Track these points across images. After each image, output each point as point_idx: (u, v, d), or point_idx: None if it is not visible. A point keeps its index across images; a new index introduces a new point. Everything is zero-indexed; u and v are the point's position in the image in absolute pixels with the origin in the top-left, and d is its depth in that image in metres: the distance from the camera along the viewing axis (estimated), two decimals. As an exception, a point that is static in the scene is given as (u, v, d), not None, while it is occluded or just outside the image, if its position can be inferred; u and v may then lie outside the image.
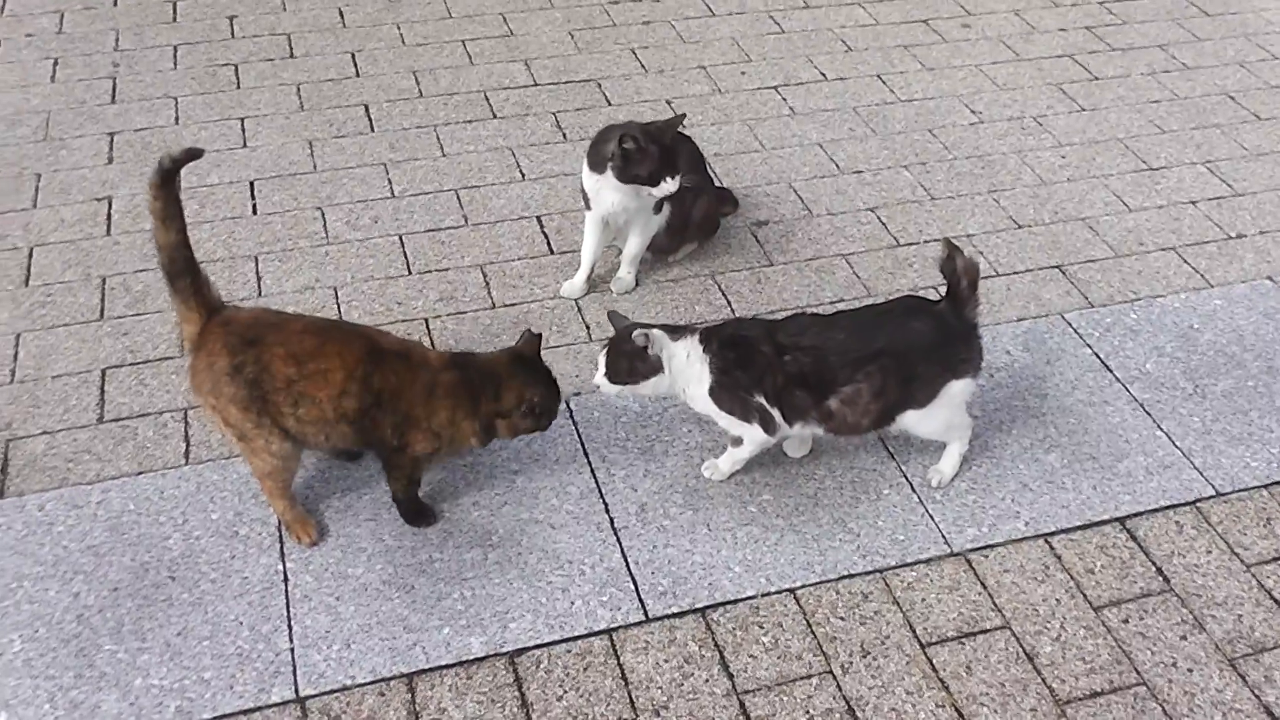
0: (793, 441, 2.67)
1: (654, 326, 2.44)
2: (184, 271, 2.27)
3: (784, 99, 4.05)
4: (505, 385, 2.35)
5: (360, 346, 2.30)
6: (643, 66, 4.19)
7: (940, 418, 2.50)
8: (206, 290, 2.31)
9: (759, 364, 2.40)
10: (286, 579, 2.39)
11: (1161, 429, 2.83)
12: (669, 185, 2.85)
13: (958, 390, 2.47)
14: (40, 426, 2.70)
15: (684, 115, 2.99)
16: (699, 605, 2.38)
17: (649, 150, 2.81)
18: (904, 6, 4.68)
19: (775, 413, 2.43)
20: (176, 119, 3.80)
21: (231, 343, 2.26)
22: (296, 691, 2.19)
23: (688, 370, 2.43)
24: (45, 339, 2.94)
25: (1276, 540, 2.57)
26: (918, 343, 2.42)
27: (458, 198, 3.49)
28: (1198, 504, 2.65)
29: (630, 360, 2.41)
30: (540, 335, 2.41)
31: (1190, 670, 2.30)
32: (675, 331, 2.45)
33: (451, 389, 2.32)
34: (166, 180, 2.21)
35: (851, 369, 2.38)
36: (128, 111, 3.83)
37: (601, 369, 2.46)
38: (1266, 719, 2.22)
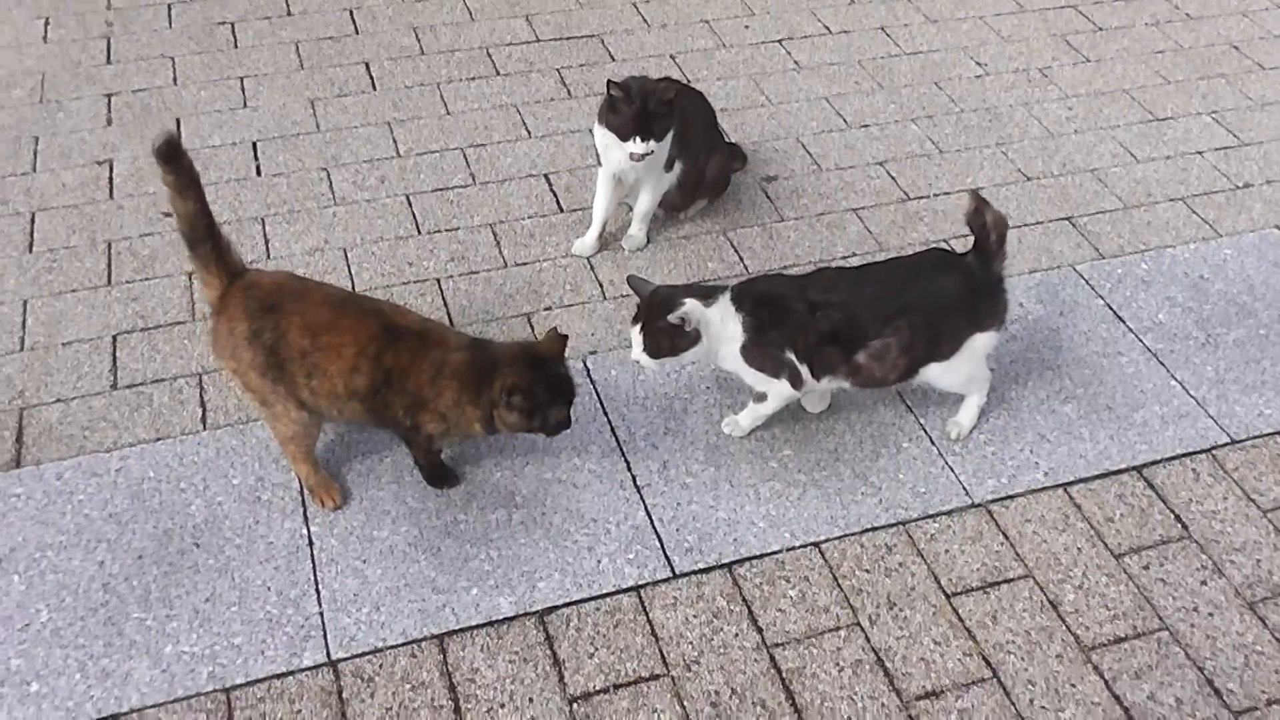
0: (812, 397, 2.67)
1: (681, 293, 2.41)
2: (205, 238, 2.25)
3: (788, 53, 4.02)
4: (500, 374, 2.23)
5: (375, 323, 2.26)
6: (645, 21, 4.15)
7: (963, 370, 2.51)
8: (228, 254, 2.29)
9: (792, 321, 2.40)
10: (312, 543, 2.39)
11: (1175, 378, 2.84)
12: (635, 146, 2.82)
13: (981, 343, 2.48)
14: (54, 394, 2.69)
15: (673, 82, 2.96)
16: (725, 561, 2.39)
17: (631, 103, 2.79)
18: (904, -43, 4.64)
19: (804, 368, 2.43)
20: (175, 79, 3.75)
21: (252, 308, 2.24)
22: (328, 655, 2.20)
23: (722, 331, 2.42)
24: (53, 305, 2.92)
25: (1292, 487, 2.60)
26: (945, 297, 2.42)
27: (464, 156, 3.46)
28: (1213, 451, 2.67)
29: (670, 338, 2.40)
30: (565, 337, 2.30)
31: (1211, 615, 2.33)
32: (706, 296, 2.42)
33: (457, 370, 2.25)
34: (170, 157, 2.18)
35: (881, 324, 2.39)
36: (125, 72, 3.78)
37: (639, 345, 2.43)
38: (1288, 662, 2.26)
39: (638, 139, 2.81)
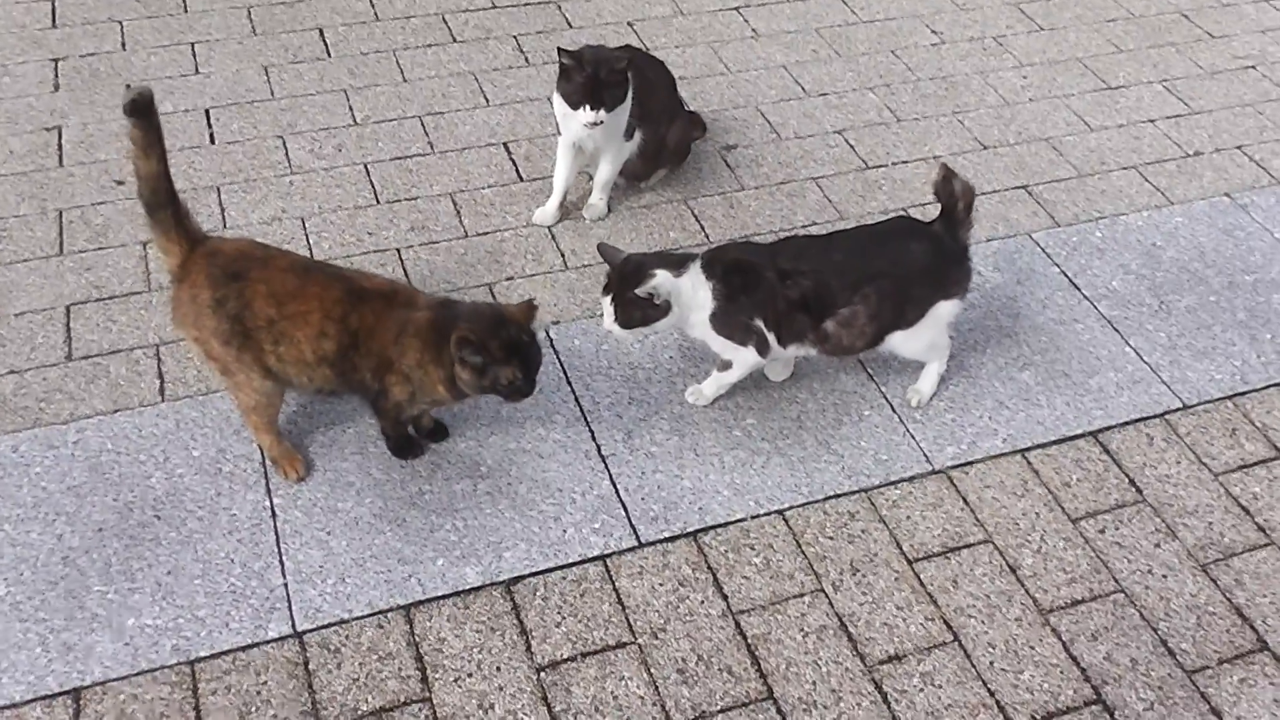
0: (775, 366, 2.69)
1: (652, 261, 2.41)
2: (165, 203, 2.22)
3: (746, 20, 4.01)
4: (454, 330, 2.19)
5: (340, 287, 2.24)
6: (604, -12, 4.13)
7: (925, 338, 2.54)
8: (188, 221, 2.26)
9: (762, 289, 2.41)
10: (275, 515, 2.38)
11: (1130, 345, 2.89)
12: (585, 115, 2.80)
13: (945, 311, 2.50)
14: (7, 366, 2.64)
15: (631, 50, 2.95)
16: (690, 529, 2.40)
17: (582, 71, 2.78)
18: (861, -76, 4.63)
19: (771, 336, 2.45)
20: (123, 44, 3.67)
21: (214, 275, 2.21)
22: (294, 626, 2.19)
23: (693, 300, 2.43)
24: (4, 275, 2.86)
25: (1242, 449, 2.65)
26: (912, 264, 2.45)
27: (422, 124, 3.43)
28: (1166, 416, 2.72)
29: (642, 309, 2.40)
30: (537, 306, 2.27)
31: (1165, 577, 2.38)
32: (677, 265, 2.42)
33: (420, 329, 2.23)
34: (141, 110, 2.14)
35: (850, 291, 2.41)
36: (71, 36, 3.70)
37: (610, 316, 2.43)
38: (1238, 620, 2.31)
39: (588, 107, 2.80)
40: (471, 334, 2.16)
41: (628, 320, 2.41)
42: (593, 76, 2.77)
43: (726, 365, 2.55)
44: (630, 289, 2.37)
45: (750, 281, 2.42)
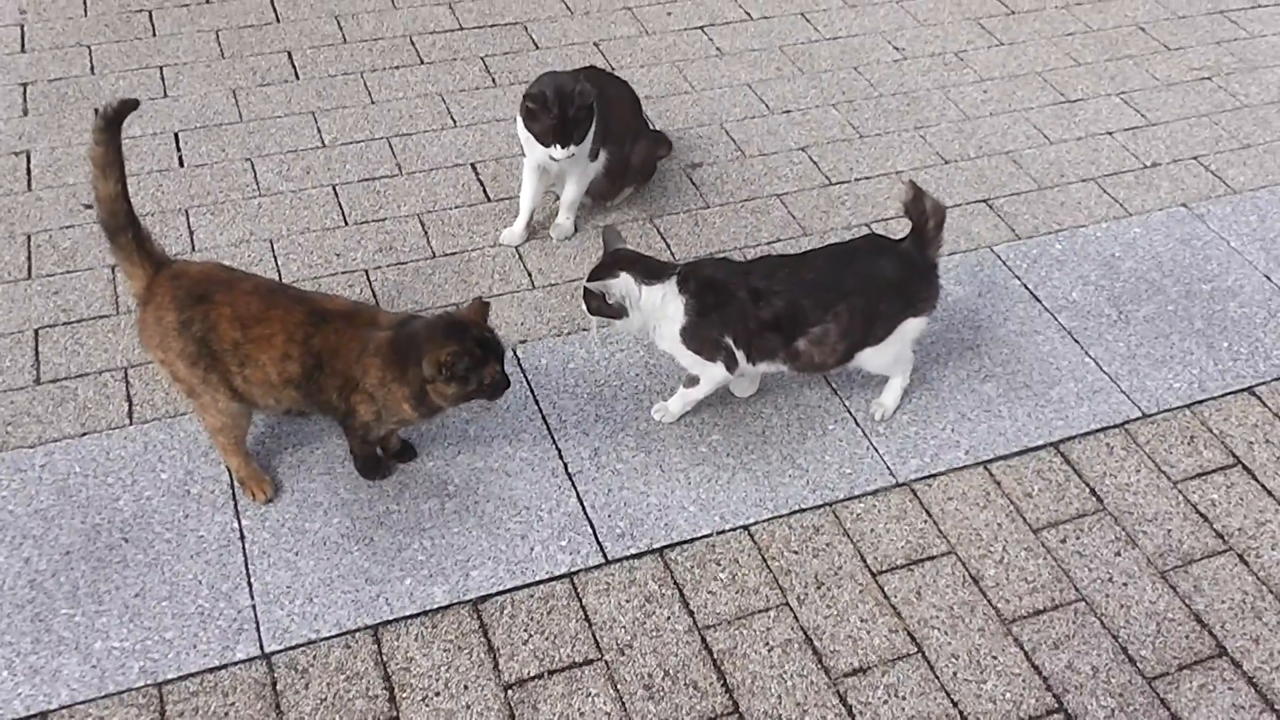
0: (742, 382, 2.72)
1: (629, 263, 2.45)
2: (125, 226, 2.24)
3: (710, 39, 4.05)
4: (427, 349, 2.19)
5: (303, 310, 2.26)
6: (568, 9, 4.16)
7: (891, 353, 2.57)
8: (149, 244, 2.28)
9: (734, 307, 2.44)
10: (243, 536, 2.39)
11: (1090, 355, 2.93)
12: (556, 152, 2.83)
13: (912, 327, 2.54)
14: (-26, 391, 2.65)
15: (595, 72, 3.00)
16: (656, 545, 2.43)
17: (549, 113, 2.80)
18: (824, -58, 4.69)
19: (740, 354, 2.48)
20: (92, 68, 3.68)
21: (180, 297, 2.23)
22: (261, 647, 2.20)
23: (662, 310, 2.46)
24: (-28, 301, 2.87)
25: (1200, 457, 2.69)
26: (882, 281, 2.48)
27: (390, 146, 3.45)
28: (1126, 426, 2.76)
29: (599, 300, 2.44)
30: (488, 304, 2.32)
31: (1125, 584, 2.42)
32: (653, 274, 2.45)
33: (380, 348, 2.24)
34: (109, 126, 2.16)
35: (822, 310, 2.44)
36: (40, 61, 3.70)
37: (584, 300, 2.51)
38: (1197, 626, 2.35)
39: (558, 146, 2.82)
40: (449, 353, 2.17)
41: (588, 305, 2.47)
42: (560, 116, 2.79)
43: (694, 381, 2.57)
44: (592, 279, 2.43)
45: (722, 299, 2.45)
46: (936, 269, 2.55)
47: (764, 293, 2.44)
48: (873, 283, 2.48)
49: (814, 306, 2.44)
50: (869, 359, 2.57)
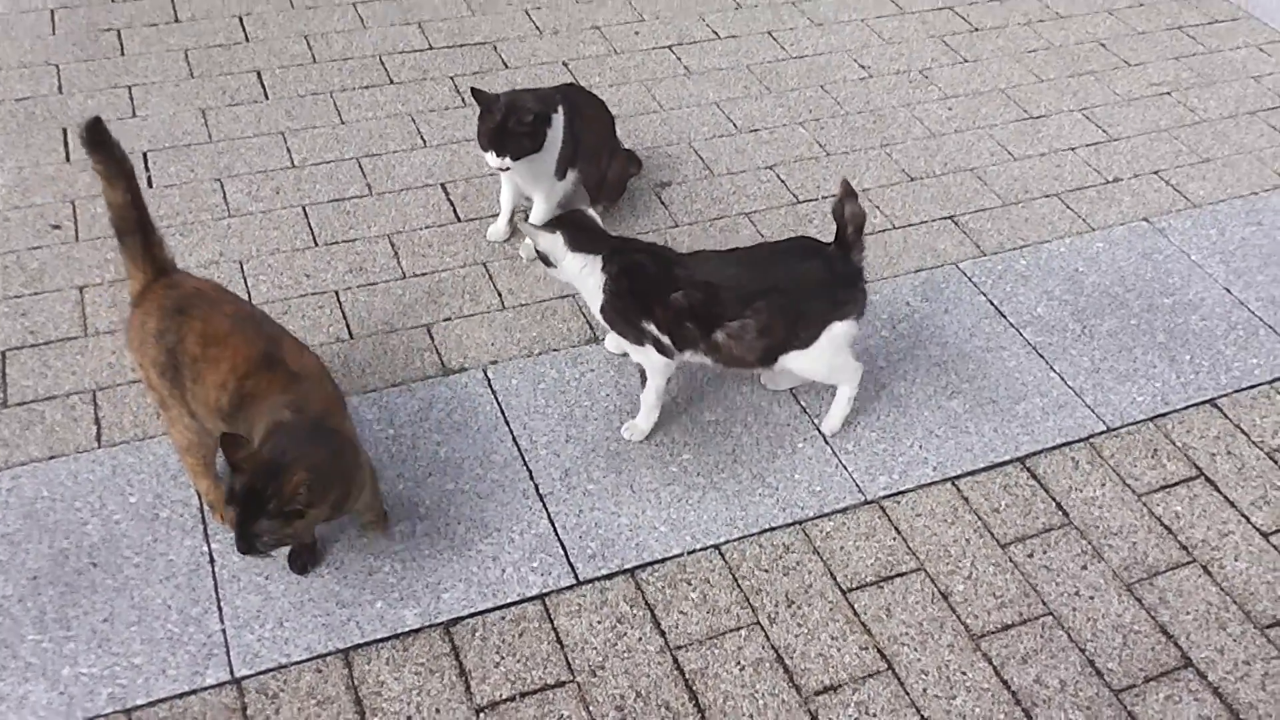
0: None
1: (572, 228, 2.55)
2: (134, 229, 2.26)
3: (679, 58, 4.08)
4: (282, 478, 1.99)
5: (260, 347, 2.19)
6: (537, 28, 4.17)
7: (822, 359, 2.58)
8: (157, 250, 2.30)
9: (649, 293, 2.49)
10: (213, 560, 2.38)
11: (1054, 370, 2.96)
12: (491, 159, 2.86)
13: (839, 331, 2.55)
14: (-60, 416, 2.63)
15: (570, 89, 3.04)
16: (628, 566, 2.44)
17: (491, 117, 2.83)
18: (790, -40, 4.74)
19: (666, 339, 2.52)
20: (60, 87, 3.67)
21: (165, 307, 2.23)
22: (232, 672, 2.20)
23: (584, 282, 2.56)
24: (-63, 325, 2.85)
25: (1164, 469, 2.73)
26: (805, 283, 2.50)
27: (360, 166, 3.45)
28: (1091, 440, 2.79)
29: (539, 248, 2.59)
30: (300, 405, 2.12)
31: (1092, 598, 2.45)
32: (583, 245, 2.55)
33: (265, 437, 2.07)
34: (95, 144, 2.18)
35: (740, 304, 2.47)
36: (7, 80, 3.68)
37: None
38: (1163, 638, 2.38)
39: (493, 154, 2.85)
40: (309, 482, 2.00)
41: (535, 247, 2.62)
42: (500, 124, 2.81)
43: (644, 382, 2.62)
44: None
45: (638, 284, 2.50)
46: (861, 274, 2.56)
47: (684, 282, 2.48)
48: (795, 283, 2.50)
49: (733, 300, 2.47)
50: (800, 364, 2.58)
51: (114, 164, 2.21)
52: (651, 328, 2.51)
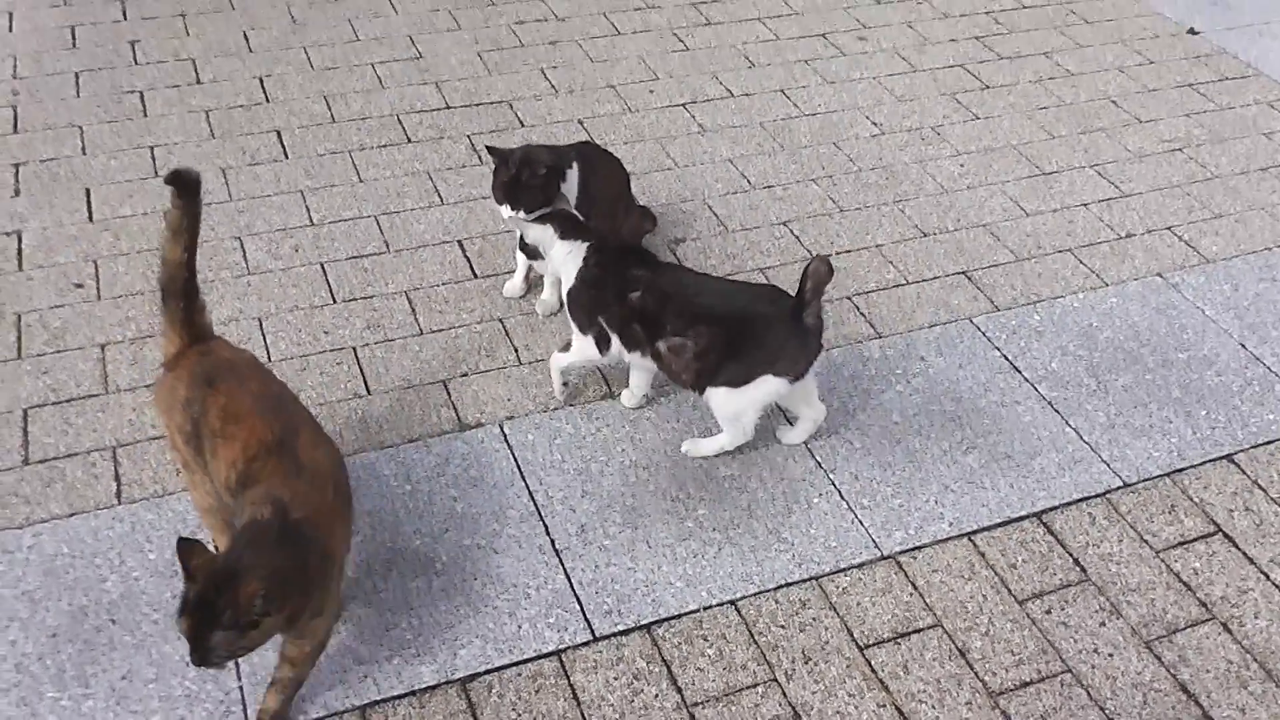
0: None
1: (562, 217, 2.78)
2: (179, 294, 2.28)
3: (693, 116, 4.13)
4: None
5: (275, 430, 2.16)
6: (553, 87, 4.23)
7: (734, 405, 2.65)
8: (198, 317, 2.32)
9: (613, 290, 2.67)
10: (231, 616, 2.38)
11: (1070, 425, 2.97)
12: (505, 212, 2.91)
13: (769, 387, 2.61)
14: (-37, 472, 2.66)
15: (551, 168, 3.03)
16: (644, 621, 2.44)
17: (506, 171, 2.89)
18: (803, 21, 4.80)
19: (614, 337, 2.70)
20: (83, 149, 3.73)
21: (195, 375, 2.24)
22: (250, 730, 2.20)
23: (563, 265, 2.76)
24: (-39, 382, 2.89)
25: (1182, 526, 2.72)
26: (753, 326, 2.58)
27: (378, 224, 3.50)
28: (1108, 495, 2.79)
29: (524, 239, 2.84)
30: (281, 505, 2.03)
31: (1111, 655, 2.43)
32: (571, 233, 2.75)
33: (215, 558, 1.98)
34: (186, 190, 2.21)
35: (684, 321, 2.58)
36: (32, 141, 3.75)
37: None
38: (1183, 696, 2.36)
39: (507, 206, 2.90)
40: (263, 593, 1.90)
41: (521, 242, 2.91)
42: (513, 178, 2.87)
43: (566, 348, 2.84)
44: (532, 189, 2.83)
45: (608, 278, 2.67)
46: (809, 334, 2.59)
47: (646, 284, 2.62)
48: (742, 322, 2.58)
49: (679, 316, 2.59)
50: (715, 398, 2.65)
51: (190, 218, 2.23)
52: (603, 322, 2.69)
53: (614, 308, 2.66)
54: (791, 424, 2.86)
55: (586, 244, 2.73)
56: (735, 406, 2.65)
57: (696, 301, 2.60)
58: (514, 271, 3.26)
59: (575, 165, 3.00)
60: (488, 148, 2.93)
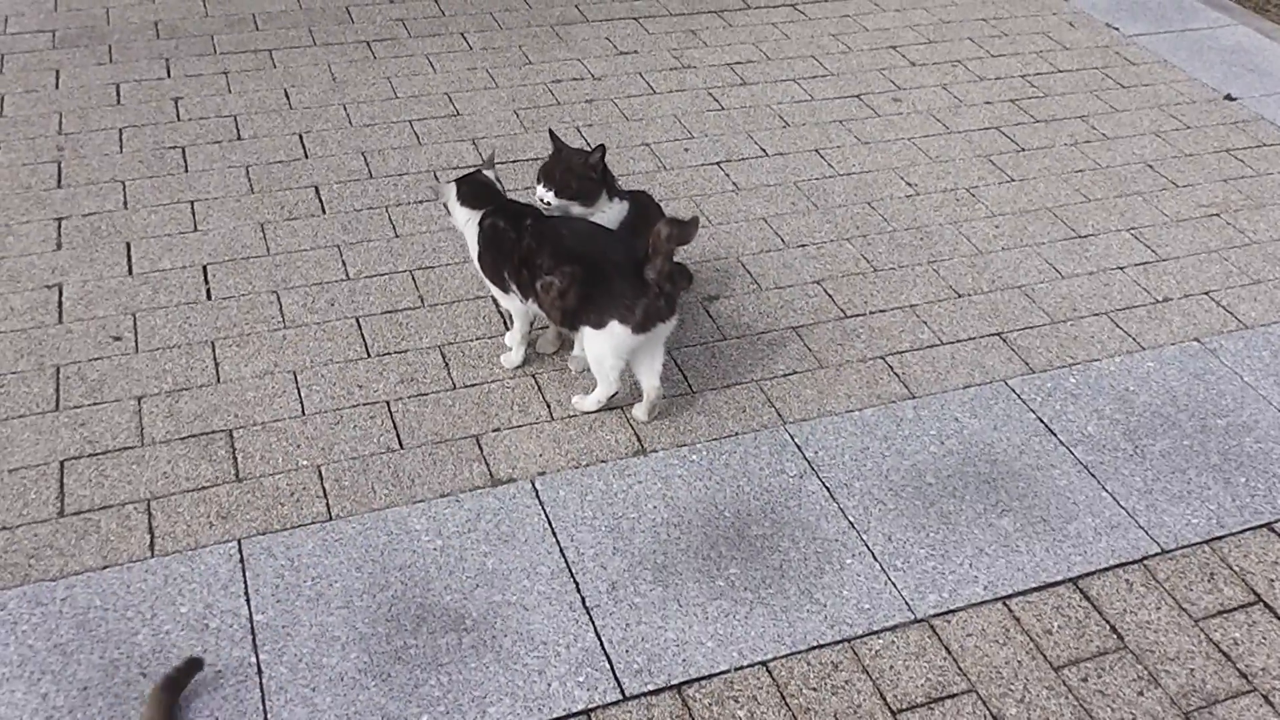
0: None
1: (471, 186, 3.02)
2: None
3: (727, 175, 4.16)
4: None
5: None
6: (588, 144, 4.27)
7: (595, 348, 2.89)
8: None
9: (507, 244, 2.92)
10: (260, 671, 2.38)
11: (1106, 490, 2.93)
12: (540, 190, 3.07)
13: (616, 334, 2.82)
14: (-1, 522, 2.68)
15: (602, 166, 3.15)
16: (675, 681, 2.41)
17: (555, 156, 3.12)
18: (837, 82, 4.83)
19: (513, 285, 2.94)
20: (125, 203, 3.79)
21: None
22: (276, 785, 2.19)
23: (465, 232, 3.06)
24: (0, 431, 2.91)
25: (1220, 594, 2.68)
26: (606, 269, 2.80)
27: (413, 278, 3.53)
28: (1145, 561, 2.75)
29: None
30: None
31: (1149, 727, 2.39)
32: (470, 200, 3.02)
33: None
34: (170, 689, 2.29)
35: (554, 262, 2.83)
36: (75, 196, 3.82)
37: None
38: (1224, 772, 2.31)
39: (542, 184, 3.06)
40: None
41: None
42: (564, 160, 3.06)
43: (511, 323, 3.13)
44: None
45: (498, 236, 2.94)
46: (650, 288, 2.78)
47: (530, 232, 2.88)
48: (598, 265, 2.80)
49: (550, 256, 2.83)
50: (585, 340, 2.91)
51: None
52: (507, 275, 2.93)
53: (510, 260, 2.91)
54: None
55: (479, 213, 2.98)
56: (596, 350, 2.88)
57: (565, 244, 2.83)
58: (547, 327, 3.27)
59: (628, 202, 3.16)
60: (550, 131, 3.25)
